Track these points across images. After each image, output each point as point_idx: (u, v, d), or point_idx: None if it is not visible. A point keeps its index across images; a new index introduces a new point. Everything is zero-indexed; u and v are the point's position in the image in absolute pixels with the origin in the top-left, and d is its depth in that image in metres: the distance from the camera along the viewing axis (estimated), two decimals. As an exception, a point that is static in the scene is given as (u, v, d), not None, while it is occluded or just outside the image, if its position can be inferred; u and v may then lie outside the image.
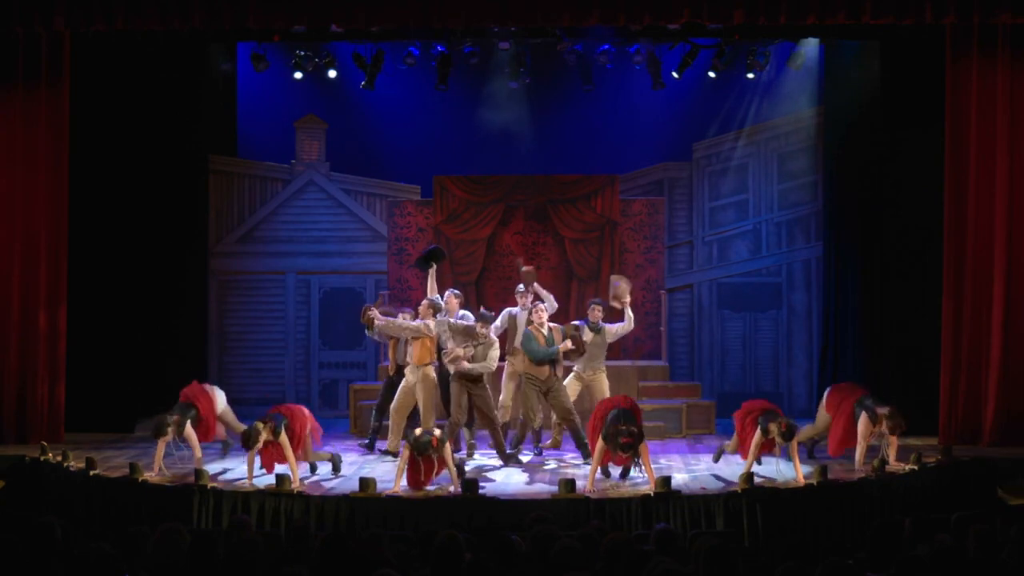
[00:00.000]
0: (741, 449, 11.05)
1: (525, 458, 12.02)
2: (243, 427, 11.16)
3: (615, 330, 12.27)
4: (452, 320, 11.96)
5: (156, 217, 14.31)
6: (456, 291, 12.59)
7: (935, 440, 12.52)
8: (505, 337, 12.47)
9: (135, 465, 10.55)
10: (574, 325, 12.10)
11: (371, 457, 12.18)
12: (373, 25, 12.95)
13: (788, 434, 10.48)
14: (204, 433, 11.47)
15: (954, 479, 10.72)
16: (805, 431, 11.71)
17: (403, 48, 14.28)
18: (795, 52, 14.59)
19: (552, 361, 11.86)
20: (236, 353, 15.64)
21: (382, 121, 15.47)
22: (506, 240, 15.13)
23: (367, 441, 12.62)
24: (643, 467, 10.36)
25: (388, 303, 12.94)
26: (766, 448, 10.78)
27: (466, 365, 11.63)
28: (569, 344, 11.78)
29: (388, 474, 10.77)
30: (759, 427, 10.65)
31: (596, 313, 12.20)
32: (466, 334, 11.79)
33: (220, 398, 11.89)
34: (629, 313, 12.24)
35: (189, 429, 11.11)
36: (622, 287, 12.33)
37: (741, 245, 15.72)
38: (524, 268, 13.16)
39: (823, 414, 11.75)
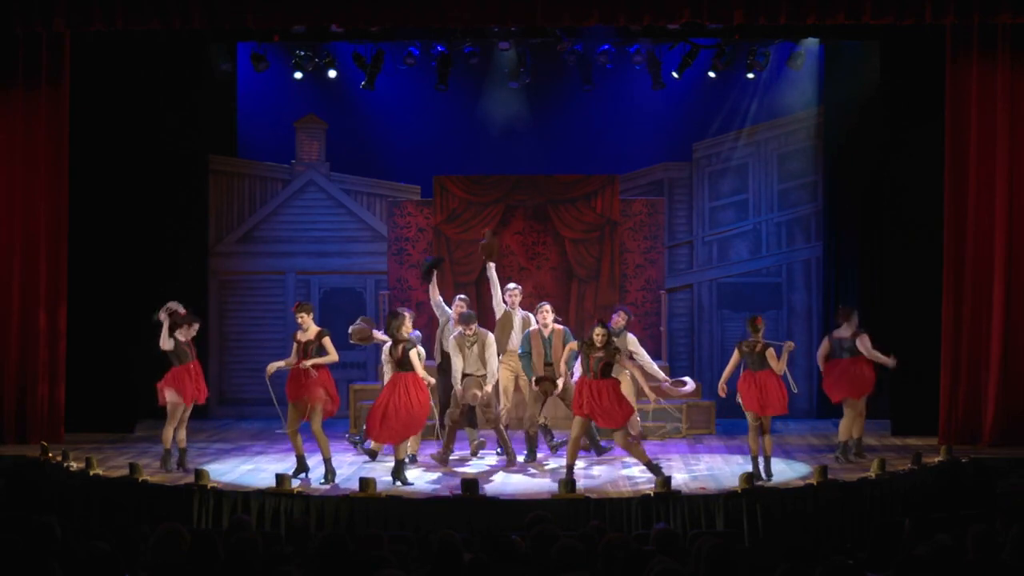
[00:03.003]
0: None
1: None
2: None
3: (644, 358, 12.34)
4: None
5: (156, 217, 14.33)
6: (462, 296, 12.53)
7: (935, 440, 12.52)
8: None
9: (135, 465, 10.54)
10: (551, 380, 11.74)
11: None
12: (373, 25, 12.97)
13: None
14: (175, 382, 11.38)
15: (954, 479, 10.72)
16: (843, 429, 12.01)
17: (403, 48, 14.28)
18: (795, 52, 14.58)
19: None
20: (236, 353, 15.61)
21: (382, 121, 15.45)
22: (506, 240, 15.10)
23: (358, 438, 12.55)
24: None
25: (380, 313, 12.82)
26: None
27: (483, 394, 11.67)
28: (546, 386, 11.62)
29: (387, 474, 10.77)
30: (736, 348, 11.23)
31: (619, 320, 12.18)
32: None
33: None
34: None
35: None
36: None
37: (741, 245, 15.70)
38: (486, 235, 12.89)
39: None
